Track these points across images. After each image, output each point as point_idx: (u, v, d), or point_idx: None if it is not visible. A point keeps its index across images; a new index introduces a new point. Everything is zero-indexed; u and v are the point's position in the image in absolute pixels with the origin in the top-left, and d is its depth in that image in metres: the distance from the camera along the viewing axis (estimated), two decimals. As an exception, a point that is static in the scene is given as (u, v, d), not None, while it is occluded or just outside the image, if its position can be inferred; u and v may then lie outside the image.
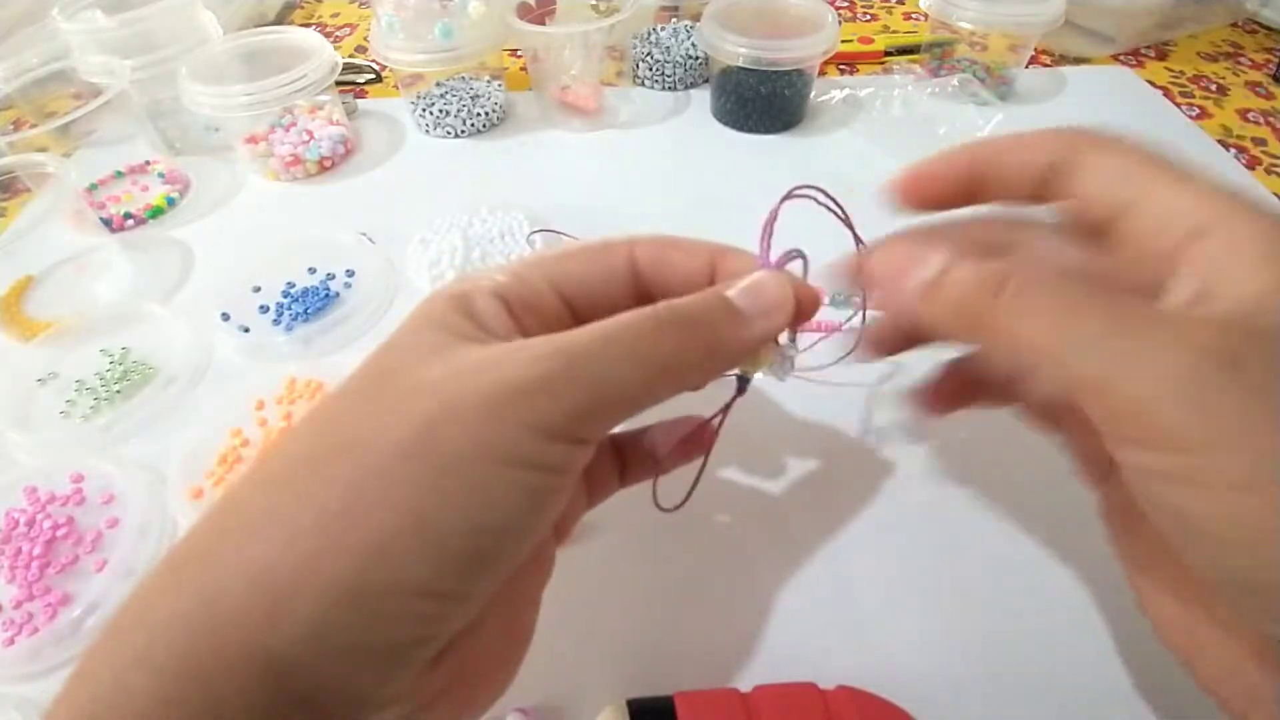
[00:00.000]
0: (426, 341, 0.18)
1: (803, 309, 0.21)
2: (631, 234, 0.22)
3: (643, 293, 0.21)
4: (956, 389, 0.26)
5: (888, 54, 0.65)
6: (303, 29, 0.55)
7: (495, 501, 0.16)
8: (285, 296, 0.43)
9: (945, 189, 0.22)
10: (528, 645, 0.21)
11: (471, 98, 0.56)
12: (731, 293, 0.20)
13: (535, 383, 0.16)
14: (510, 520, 0.16)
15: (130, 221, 0.50)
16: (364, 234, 0.47)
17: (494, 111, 0.57)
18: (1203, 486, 0.14)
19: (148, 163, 0.55)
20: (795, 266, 0.22)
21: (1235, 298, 0.16)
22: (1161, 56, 0.64)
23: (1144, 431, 0.15)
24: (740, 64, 0.50)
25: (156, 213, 0.51)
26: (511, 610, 0.20)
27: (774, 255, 0.22)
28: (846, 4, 0.75)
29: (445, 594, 0.16)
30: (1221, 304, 0.16)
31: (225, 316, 0.42)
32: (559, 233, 0.45)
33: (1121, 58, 0.64)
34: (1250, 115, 0.56)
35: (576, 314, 0.21)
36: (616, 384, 0.17)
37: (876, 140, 0.54)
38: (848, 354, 0.26)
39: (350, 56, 0.68)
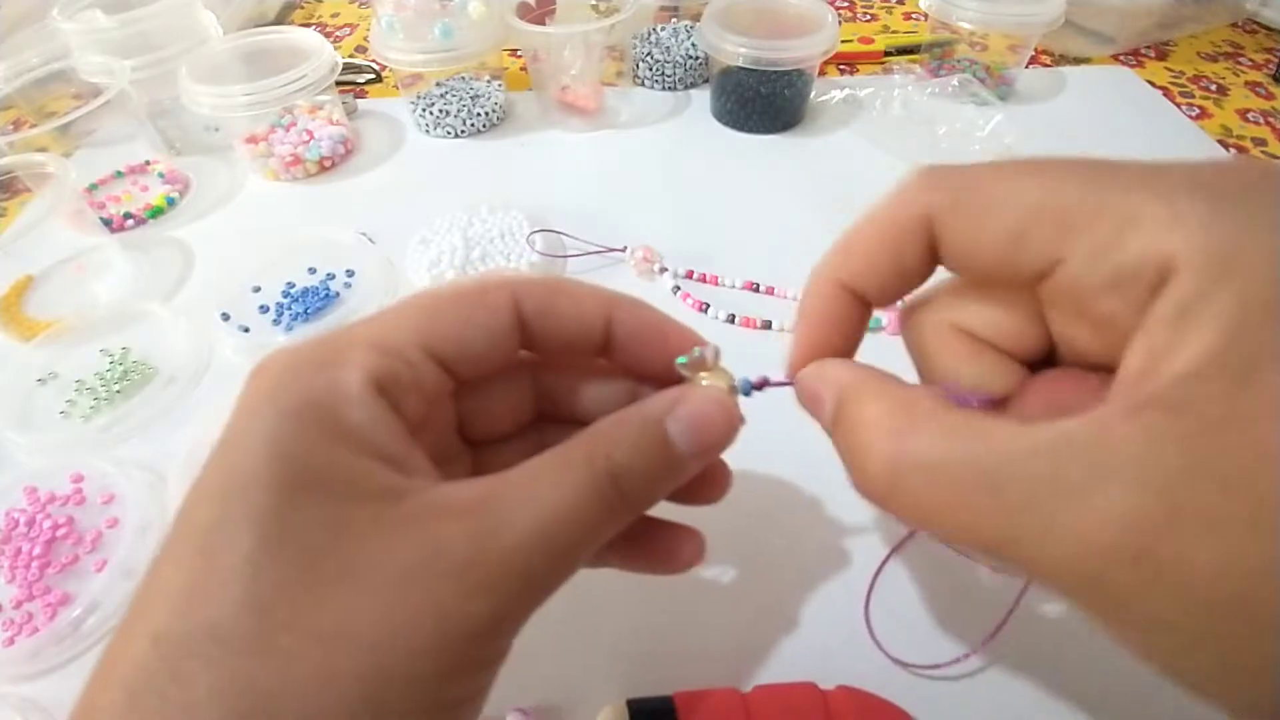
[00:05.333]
0: (303, 536, 0.14)
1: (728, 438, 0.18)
2: (509, 275, 0.19)
3: (526, 341, 0.19)
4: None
5: (888, 54, 0.65)
6: (303, 29, 0.55)
7: None
8: (285, 296, 0.43)
9: (839, 336, 0.19)
10: None
11: (471, 98, 0.56)
12: (674, 432, 0.17)
13: (478, 621, 0.14)
14: None
15: (130, 221, 0.50)
16: (364, 234, 0.47)
17: (494, 111, 0.57)
18: (1144, 650, 0.13)
19: (148, 163, 0.55)
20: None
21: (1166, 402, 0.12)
22: (1161, 56, 0.64)
23: (1083, 608, 0.13)
24: (740, 64, 0.50)
25: (156, 213, 0.51)
26: None
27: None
28: (846, 4, 0.75)
29: None
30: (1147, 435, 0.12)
31: (225, 316, 0.42)
32: (559, 233, 0.45)
33: (1121, 58, 0.64)
34: (1250, 115, 0.56)
35: (456, 375, 0.18)
36: (552, 581, 0.15)
37: (876, 140, 0.54)
38: None
39: (350, 56, 0.68)
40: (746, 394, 0.19)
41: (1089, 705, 0.25)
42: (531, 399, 0.21)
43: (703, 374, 0.19)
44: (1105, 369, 0.15)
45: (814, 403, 0.18)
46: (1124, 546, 0.12)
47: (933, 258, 0.17)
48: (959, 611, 0.28)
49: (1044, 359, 0.18)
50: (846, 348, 0.19)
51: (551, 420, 0.22)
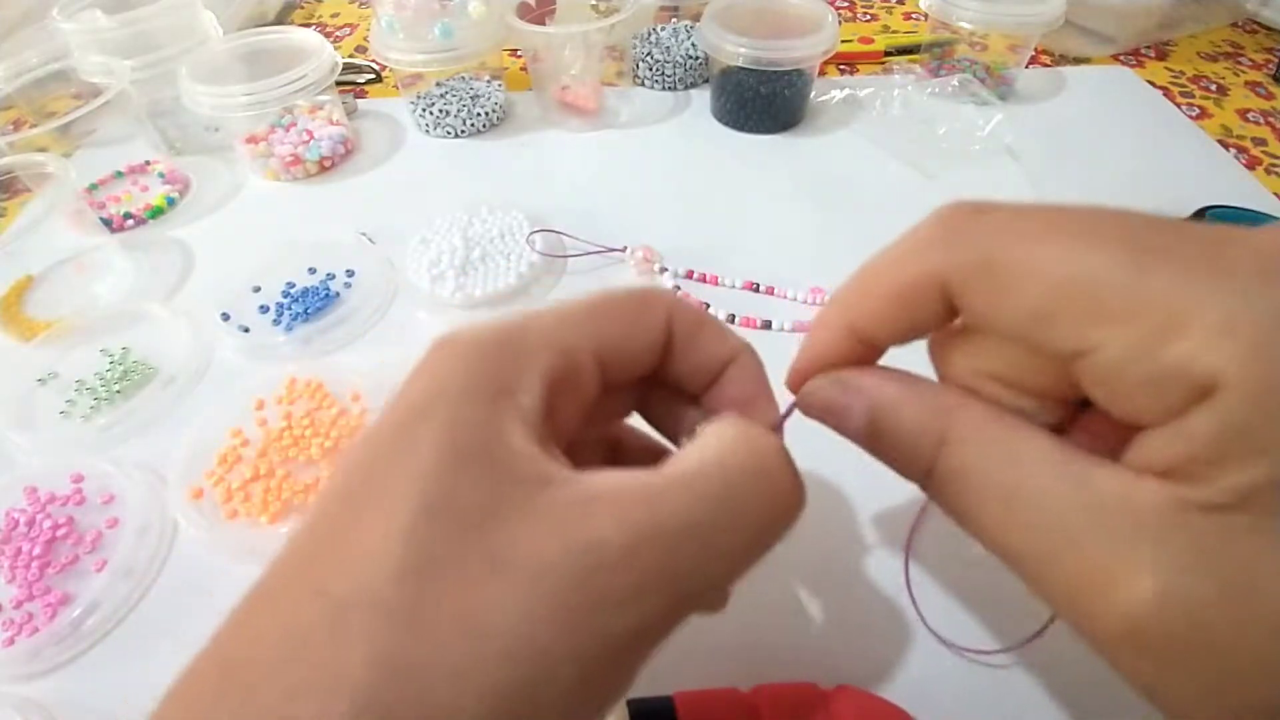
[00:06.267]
0: (461, 508, 0.14)
1: None
2: (665, 293, 0.19)
3: (663, 359, 0.19)
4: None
5: (888, 54, 0.65)
6: (303, 29, 0.55)
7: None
8: (285, 296, 0.43)
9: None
10: None
11: (471, 98, 0.56)
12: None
13: (629, 626, 0.13)
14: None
15: (130, 221, 0.50)
16: (364, 234, 0.47)
17: (494, 111, 0.57)
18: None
19: (148, 163, 0.55)
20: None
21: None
22: (1161, 56, 0.64)
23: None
24: (740, 64, 0.50)
25: (156, 213, 0.51)
26: None
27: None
28: (846, 4, 0.75)
29: None
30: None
31: (225, 316, 0.42)
32: (559, 233, 0.45)
33: (1121, 58, 0.64)
34: (1250, 115, 0.56)
35: (605, 377, 0.18)
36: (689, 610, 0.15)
37: (876, 140, 0.54)
38: None
39: (350, 56, 0.68)
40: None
41: (1091, 704, 0.25)
42: (632, 407, 0.21)
43: None
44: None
45: (836, 413, 0.18)
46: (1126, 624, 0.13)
47: (949, 313, 0.16)
48: (971, 613, 0.28)
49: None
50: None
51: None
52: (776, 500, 0.16)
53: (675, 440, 0.21)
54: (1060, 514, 0.14)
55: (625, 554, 0.13)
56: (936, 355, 0.18)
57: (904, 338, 0.17)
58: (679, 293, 0.42)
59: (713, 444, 0.16)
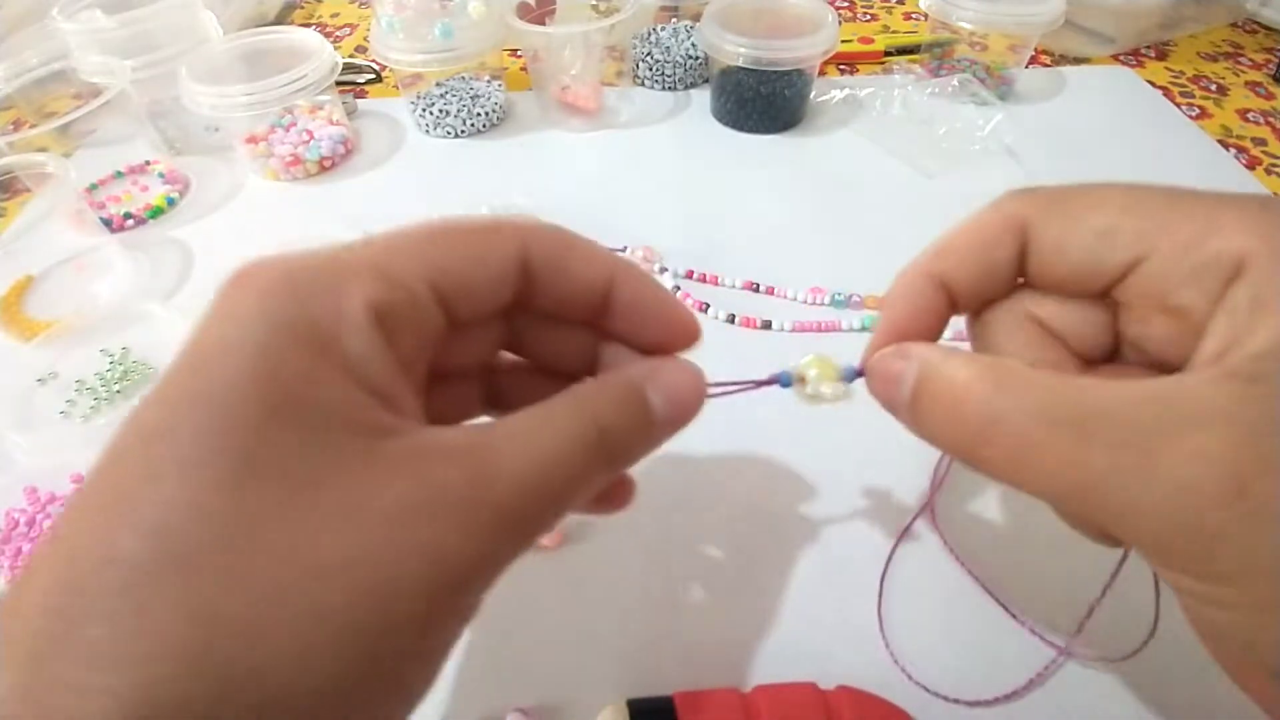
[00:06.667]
0: (289, 462, 0.13)
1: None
2: (520, 219, 0.18)
3: (524, 291, 0.18)
4: None
5: (888, 54, 0.65)
6: (303, 29, 0.55)
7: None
8: (285, 296, 0.43)
9: (921, 326, 0.20)
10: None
11: (471, 98, 0.56)
12: (655, 399, 0.17)
13: (473, 564, 0.14)
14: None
15: (130, 221, 0.50)
16: (365, 233, 0.47)
17: (494, 111, 0.57)
18: (1227, 608, 0.14)
19: (148, 163, 0.55)
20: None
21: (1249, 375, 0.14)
22: (1161, 56, 0.64)
23: (1166, 560, 0.15)
24: (740, 64, 0.50)
25: (156, 213, 0.51)
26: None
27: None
28: (846, 4, 0.75)
29: None
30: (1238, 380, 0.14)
31: (225, 316, 0.42)
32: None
33: (1121, 58, 0.64)
34: (1250, 115, 0.56)
35: (450, 311, 0.17)
36: (539, 528, 0.15)
37: (876, 140, 0.54)
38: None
39: (350, 56, 0.68)
40: (850, 380, 0.20)
41: (1092, 703, 0.25)
42: (500, 343, 0.21)
43: (811, 366, 0.20)
44: (1166, 369, 0.17)
45: (889, 383, 0.18)
46: (1224, 484, 0.13)
47: (1020, 261, 0.18)
48: (962, 614, 0.28)
49: (1104, 361, 0.19)
50: (926, 338, 0.20)
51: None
52: (591, 469, 0.16)
53: (574, 373, 0.21)
54: (1136, 422, 0.14)
55: (472, 498, 0.14)
56: (982, 313, 0.20)
57: (977, 288, 0.19)
58: (677, 292, 0.42)
59: (544, 412, 0.16)
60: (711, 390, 0.19)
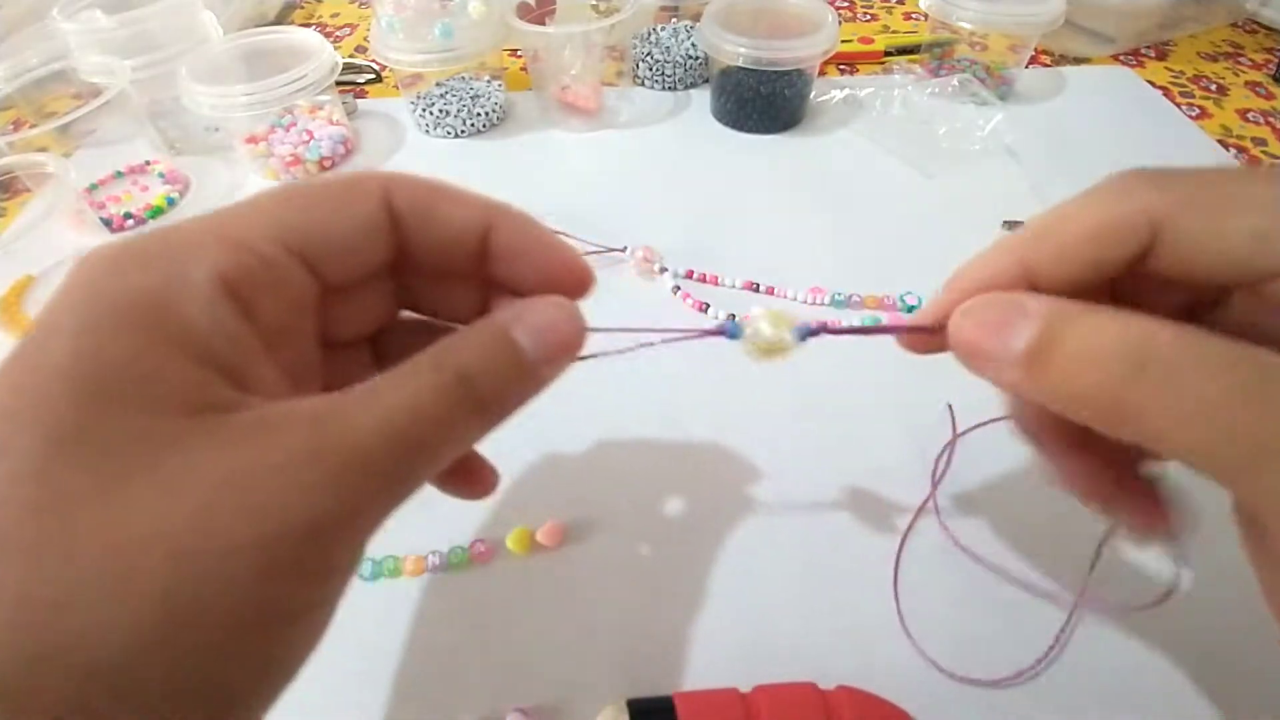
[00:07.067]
0: (107, 443, 0.13)
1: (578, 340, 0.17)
2: (383, 172, 0.18)
3: (399, 244, 0.17)
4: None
5: (888, 54, 0.65)
6: (303, 29, 0.55)
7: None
8: (285, 296, 0.43)
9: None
10: None
11: (471, 98, 0.56)
12: (523, 339, 0.16)
13: (316, 518, 0.13)
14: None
15: (130, 221, 0.50)
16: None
17: (494, 111, 0.57)
18: None
19: (148, 163, 0.55)
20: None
21: None
22: (1161, 56, 0.64)
23: None
24: (740, 64, 0.50)
25: (156, 213, 0.51)
26: None
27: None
28: (846, 4, 0.75)
29: None
30: None
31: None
32: (559, 232, 0.45)
33: (1121, 58, 0.64)
34: (1250, 115, 0.56)
35: (322, 277, 0.16)
36: (407, 479, 0.15)
37: (876, 140, 0.54)
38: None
39: (350, 56, 0.68)
40: (803, 339, 0.19)
41: (1093, 703, 0.25)
42: (393, 304, 0.20)
43: (762, 321, 0.19)
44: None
45: (997, 330, 0.16)
46: None
47: (1139, 257, 0.16)
48: (978, 597, 0.28)
49: None
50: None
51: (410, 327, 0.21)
52: (458, 416, 0.15)
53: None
54: None
55: (311, 454, 0.13)
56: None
57: (1077, 279, 0.17)
58: (677, 292, 0.42)
59: (408, 367, 0.15)
60: (657, 339, 0.18)
